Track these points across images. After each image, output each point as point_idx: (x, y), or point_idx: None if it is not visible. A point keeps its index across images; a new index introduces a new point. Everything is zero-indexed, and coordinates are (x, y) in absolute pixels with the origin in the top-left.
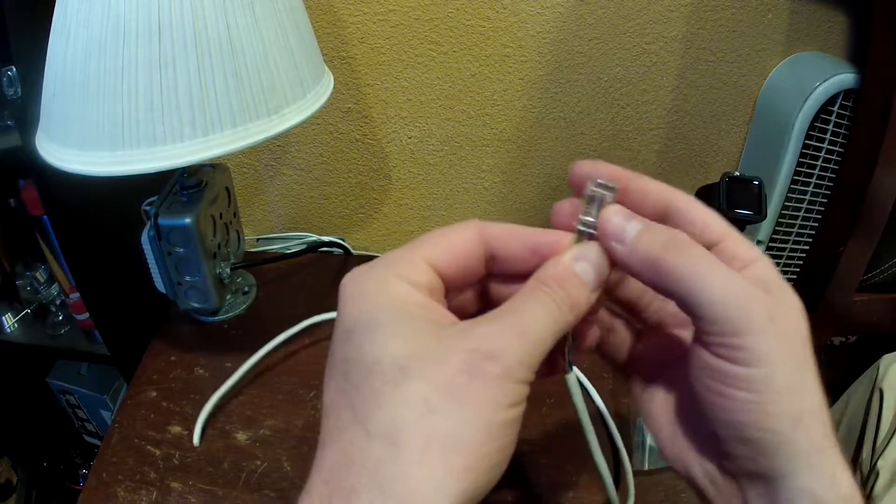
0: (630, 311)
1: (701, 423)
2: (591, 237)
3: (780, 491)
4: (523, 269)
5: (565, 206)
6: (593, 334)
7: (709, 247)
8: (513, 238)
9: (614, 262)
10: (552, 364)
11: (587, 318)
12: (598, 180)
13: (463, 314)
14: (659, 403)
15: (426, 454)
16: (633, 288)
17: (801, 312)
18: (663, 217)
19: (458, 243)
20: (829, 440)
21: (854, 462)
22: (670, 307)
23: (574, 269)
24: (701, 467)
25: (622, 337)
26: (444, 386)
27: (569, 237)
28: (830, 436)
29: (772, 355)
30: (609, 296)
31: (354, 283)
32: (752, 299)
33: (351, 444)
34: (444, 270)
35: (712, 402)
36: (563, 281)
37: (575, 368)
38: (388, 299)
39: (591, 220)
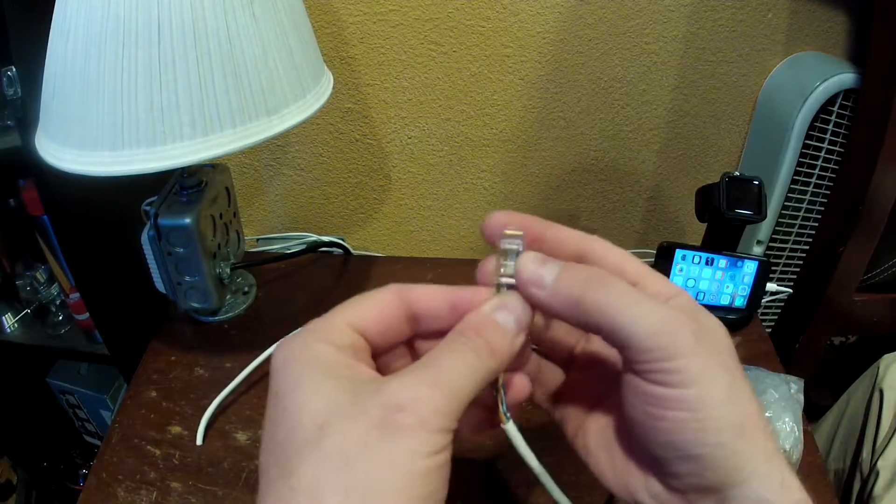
0: (556, 354)
1: (641, 448)
2: (511, 288)
3: (730, 502)
4: (445, 327)
5: (489, 263)
6: (521, 385)
7: None
8: (431, 297)
9: (537, 308)
10: (491, 415)
11: (516, 368)
12: (507, 231)
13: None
14: (594, 437)
15: None
16: (558, 330)
17: (724, 332)
18: (584, 257)
19: (377, 306)
20: (772, 445)
21: (854, 462)
22: (595, 344)
23: (492, 317)
24: (647, 490)
25: (550, 379)
26: (358, 440)
27: (487, 292)
28: (774, 443)
29: (704, 372)
30: (535, 341)
31: (282, 350)
32: (677, 323)
33: (279, 499)
34: (367, 331)
35: (652, 426)
36: (480, 329)
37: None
38: (310, 362)
39: (509, 272)
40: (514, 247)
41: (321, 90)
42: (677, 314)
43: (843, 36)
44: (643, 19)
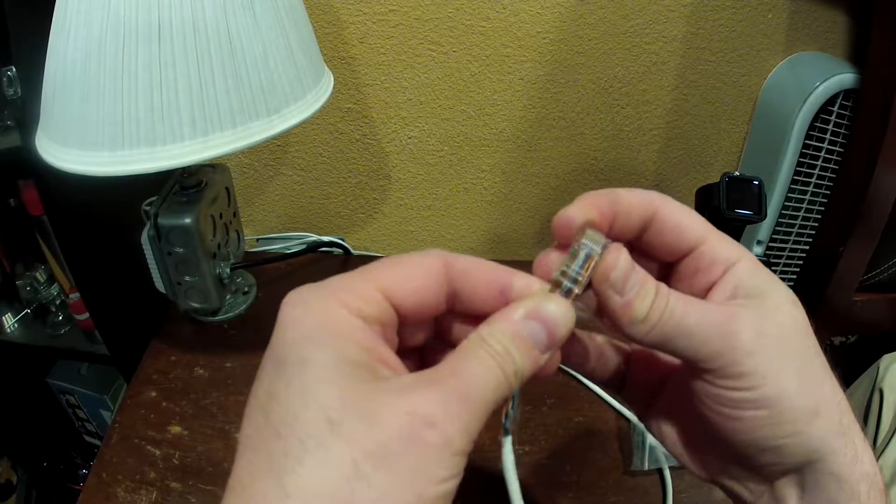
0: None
1: (716, 442)
2: (567, 292)
3: (806, 476)
4: (488, 311)
5: (550, 258)
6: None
7: (688, 251)
8: (480, 276)
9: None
10: None
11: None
12: (590, 231)
13: (412, 349)
14: (664, 425)
15: None
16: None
17: (792, 305)
18: (647, 224)
19: (418, 275)
20: (847, 419)
21: None
22: None
23: (522, 331)
24: (727, 474)
25: (613, 360)
26: (376, 450)
27: (541, 284)
28: (848, 414)
29: (772, 366)
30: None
31: (296, 305)
32: (735, 321)
33: (263, 498)
34: (401, 303)
35: (728, 426)
36: (509, 343)
37: (510, 438)
38: (329, 333)
39: (573, 274)
40: (592, 250)
41: (321, 90)
42: (734, 309)
43: (843, 36)
44: (643, 19)
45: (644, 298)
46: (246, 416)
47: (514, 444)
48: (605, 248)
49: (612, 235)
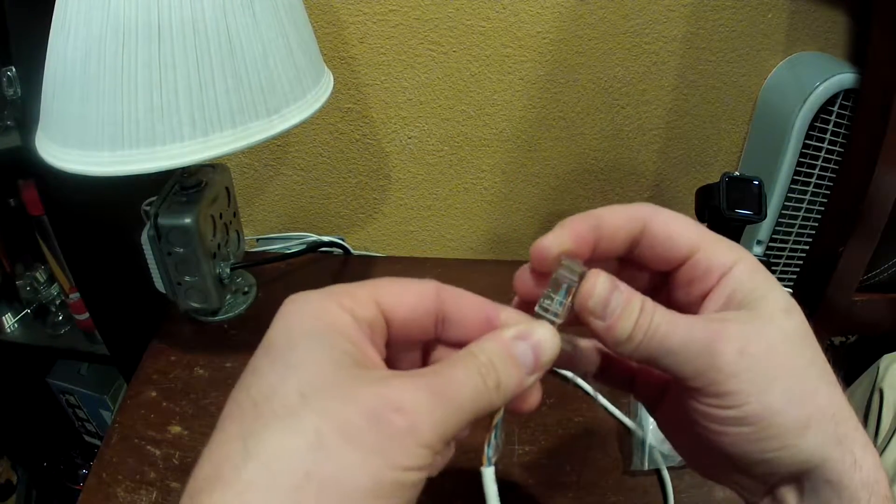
0: None
1: (714, 450)
2: (551, 324)
3: (804, 484)
4: (475, 339)
5: (525, 276)
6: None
7: (682, 261)
8: (468, 304)
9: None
10: None
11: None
12: (565, 261)
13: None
14: (668, 427)
15: (300, 490)
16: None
17: (785, 313)
18: (636, 240)
19: (412, 294)
20: (844, 427)
21: None
22: None
23: (510, 349)
24: (729, 479)
25: (620, 366)
26: (341, 425)
27: (527, 318)
28: (847, 421)
29: (756, 387)
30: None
31: (294, 303)
32: (719, 342)
33: (227, 459)
34: (392, 316)
35: (717, 440)
36: (496, 358)
37: (492, 468)
38: (320, 325)
39: (555, 306)
40: (570, 281)
41: (321, 90)
42: (718, 326)
43: (843, 36)
44: (643, 19)
45: (627, 318)
46: (229, 399)
47: (495, 474)
48: (581, 276)
49: (598, 257)
